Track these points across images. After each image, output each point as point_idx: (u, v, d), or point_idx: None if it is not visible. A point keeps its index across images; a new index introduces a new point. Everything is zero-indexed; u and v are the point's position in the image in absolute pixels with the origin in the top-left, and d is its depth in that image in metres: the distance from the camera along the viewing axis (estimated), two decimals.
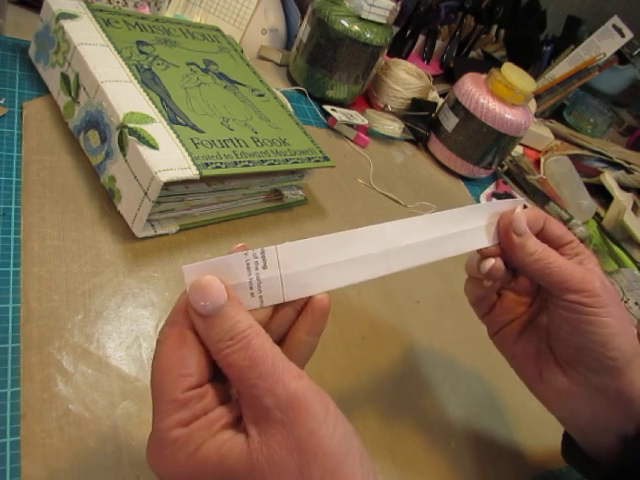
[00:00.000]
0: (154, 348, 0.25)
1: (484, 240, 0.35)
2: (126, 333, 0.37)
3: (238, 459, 0.23)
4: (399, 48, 0.96)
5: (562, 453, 0.41)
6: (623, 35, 0.98)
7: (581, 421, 0.38)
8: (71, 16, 0.48)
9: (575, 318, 0.34)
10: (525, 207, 0.37)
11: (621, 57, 1.02)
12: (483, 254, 0.36)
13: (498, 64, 0.72)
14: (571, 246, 0.37)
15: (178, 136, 0.42)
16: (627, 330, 0.35)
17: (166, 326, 0.25)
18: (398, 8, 0.74)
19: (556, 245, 0.36)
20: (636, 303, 0.69)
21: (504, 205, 0.36)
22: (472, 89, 0.72)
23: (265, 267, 0.25)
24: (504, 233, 0.35)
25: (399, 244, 0.30)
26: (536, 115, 1.01)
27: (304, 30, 0.71)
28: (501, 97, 0.70)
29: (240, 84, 0.54)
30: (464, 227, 0.34)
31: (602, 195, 0.88)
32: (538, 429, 0.47)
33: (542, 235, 0.36)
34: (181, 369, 0.24)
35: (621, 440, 0.36)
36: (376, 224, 0.29)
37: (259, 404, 0.23)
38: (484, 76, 0.74)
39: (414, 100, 0.78)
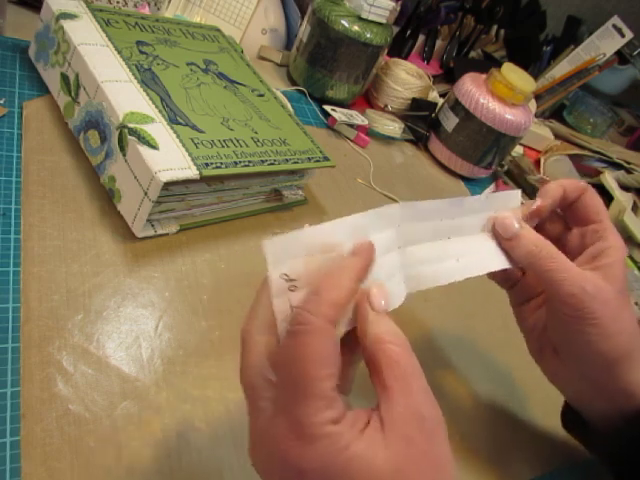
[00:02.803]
0: (292, 331, 0.24)
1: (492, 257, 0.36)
2: (126, 333, 0.37)
3: (384, 460, 0.23)
4: (399, 48, 0.96)
5: (562, 420, 0.43)
6: (623, 35, 0.98)
7: (574, 397, 0.40)
8: (71, 16, 0.48)
9: (563, 315, 0.35)
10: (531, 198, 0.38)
11: (621, 57, 1.02)
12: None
13: (498, 64, 0.72)
14: (594, 228, 0.37)
15: (178, 136, 0.42)
16: (623, 330, 0.35)
17: (311, 315, 0.24)
18: (398, 8, 0.74)
19: (582, 222, 0.38)
20: (636, 303, 0.69)
21: (501, 199, 0.37)
22: (472, 89, 0.71)
23: None
24: (497, 238, 0.36)
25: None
26: (536, 115, 1.01)
27: (304, 30, 0.71)
28: (501, 97, 0.70)
29: (240, 84, 0.54)
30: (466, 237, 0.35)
31: (602, 195, 0.88)
32: (539, 429, 0.47)
33: (574, 207, 0.38)
34: (330, 367, 0.24)
35: (619, 414, 0.37)
36: None
37: (414, 411, 0.24)
38: (484, 76, 0.74)
39: (414, 100, 0.78)
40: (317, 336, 0.23)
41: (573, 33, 1.08)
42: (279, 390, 0.25)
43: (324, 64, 0.71)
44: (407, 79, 0.78)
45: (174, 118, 0.44)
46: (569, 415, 0.42)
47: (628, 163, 0.94)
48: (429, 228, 0.32)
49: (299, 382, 0.23)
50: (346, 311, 0.25)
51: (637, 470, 0.38)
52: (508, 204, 0.37)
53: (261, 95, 0.55)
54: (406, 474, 0.23)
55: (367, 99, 0.82)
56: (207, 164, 0.42)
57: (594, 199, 0.38)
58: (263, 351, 0.25)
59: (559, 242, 0.38)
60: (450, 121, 0.74)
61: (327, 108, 0.70)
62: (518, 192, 0.38)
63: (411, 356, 0.26)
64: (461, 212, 0.34)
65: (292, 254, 0.25)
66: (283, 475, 0.25)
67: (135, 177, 0.41)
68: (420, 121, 0.77)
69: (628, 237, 0.81)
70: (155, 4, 0.66)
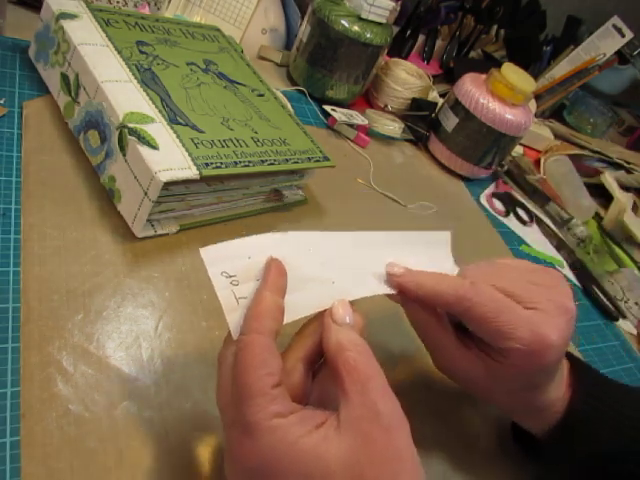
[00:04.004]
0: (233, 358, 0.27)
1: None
2: (126, 333, 0.37)
3: (337, 456, 0.24)
4: (399, 48, 0.96)
5: (512, 434, 0.43)
6: (623, 35, 0.98)
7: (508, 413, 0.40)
8: (71, 16, 0.48)
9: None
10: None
11: (621, 57, 1.02)
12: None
13: (498, 64, 0.72)
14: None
15: (178, 136, 0.42)
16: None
17: (244, 335, 0.27)
18: (398, 8, 0.74)
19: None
20: (636, 303, 0.69)
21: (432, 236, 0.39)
22: (472, 89, 0.71)
23: None
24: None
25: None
26: (536, 115, 1.01)
27: (304, 30, 0.71)
28: (501, 97, 0.70)
29: (240, 84, 0.54)
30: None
31: (602, 195, 0.88)
32: None
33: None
34: (266, 368, 0.26)
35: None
36: None
37: (370, 408, 0.25)
38: (484, 76, 0.74)
39: (414, 100, 0.78)
40: (249, 347, 0.26)
41: (573, 33, 1.08)
42: (233, 405, 0.26)
43: (324, 64, 0.71)
44: (407, 79, 0.78)
45: (174, 118, 0.44)
46: (516, 429, 0.43)
47: (628, 163, 0.94)
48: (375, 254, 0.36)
49: (242, 389, 0.25)
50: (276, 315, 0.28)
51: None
52: (437, 241, 0.39)
53: (261, 95, 0.55)
54: (363, 467, 0.24)
55: (367, 99, 0.82)
56: (207, 164, 0.42)
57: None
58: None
59: None
60: (450, 121, 0.74)
61: (327, 108, 0.70)
62: (448, 233, 0.40)
63: (369, 360, 0.27)
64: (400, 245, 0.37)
65: (225, 257, 0.30)
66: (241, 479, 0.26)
67: (135, 177, 0.41)
68: (420, 121, 0.77)
69: (628, 237, 0.81)
70: (155, 4, 0.66)
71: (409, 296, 0.34)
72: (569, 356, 0.39)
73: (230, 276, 0.29)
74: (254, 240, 0.31)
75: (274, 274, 0.29)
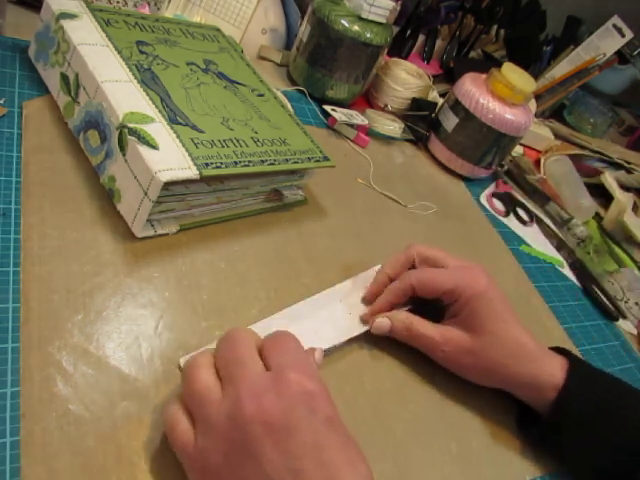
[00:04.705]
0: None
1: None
2: (126, 333, 0.37)
3: None
4: (399, 48, 0.96)
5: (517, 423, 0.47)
6: (623, 35, 0.98)
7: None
8: (71, 16, 0.48)
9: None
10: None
11: (621, 57, 1.02)
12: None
13: (498, 64, 0.72)
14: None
15: (178, 136, 0.42)
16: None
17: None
18: (398, 8, 0.74)
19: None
20: (636, 303, 0.69)
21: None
22: (472, 89, 0.71)
23: None
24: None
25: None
26: (536, 115, 1.01)
27: (304, 30, 0.71)
28: (501, 97, 0.70)
29: (240, 84, 0.54)
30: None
31: (602, 195, 0.88)
32: None
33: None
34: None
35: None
36: None
37: None
38: (484, 76, 0.74)
39: (414, 100, 0.78)
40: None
41: (573, 33, 1.08)
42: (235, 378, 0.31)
43: (324, 64, 0.71)
44: (407, 79, 0.78)
45: (174, 118, 0.44)
46: (521, 415, 0.46)
47: (628, 163, 0.94)
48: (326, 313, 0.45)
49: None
50: None
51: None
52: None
53: (261, 95, 0.55)
54: None
55: (367, 99, 0.82)
56: (207, 164, 0.42)
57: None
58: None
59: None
60: (450, 121, 0.74)
61: (327, 108, 0.70)
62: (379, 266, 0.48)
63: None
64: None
65: None
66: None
67: (135, 177, 0.41)
68: (420, 121, 0.77)
69: (628, 237, 0.81)
70: (155, 4, 0.66)
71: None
72: (568, 353, 0.45)
73: None
74: None
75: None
